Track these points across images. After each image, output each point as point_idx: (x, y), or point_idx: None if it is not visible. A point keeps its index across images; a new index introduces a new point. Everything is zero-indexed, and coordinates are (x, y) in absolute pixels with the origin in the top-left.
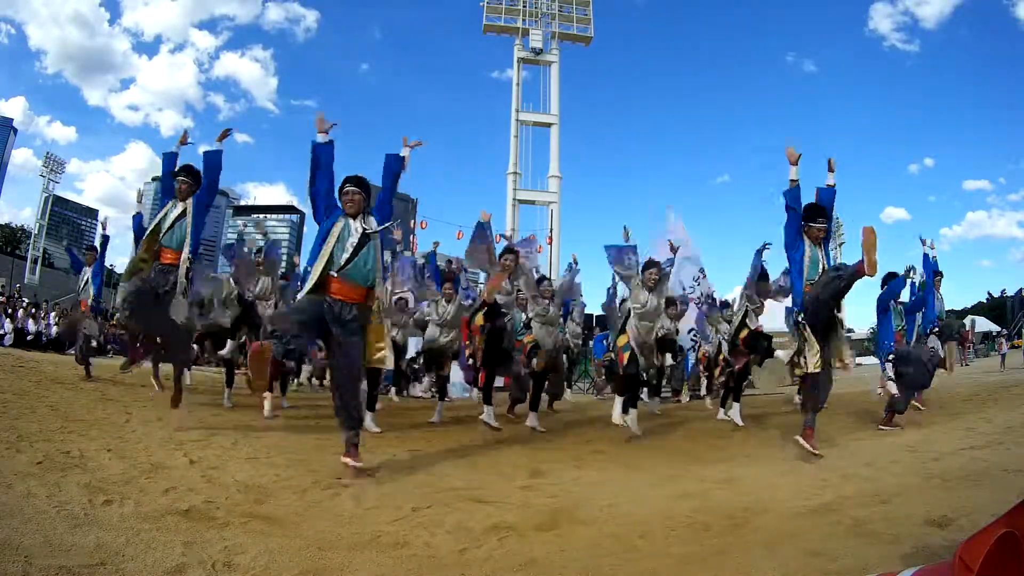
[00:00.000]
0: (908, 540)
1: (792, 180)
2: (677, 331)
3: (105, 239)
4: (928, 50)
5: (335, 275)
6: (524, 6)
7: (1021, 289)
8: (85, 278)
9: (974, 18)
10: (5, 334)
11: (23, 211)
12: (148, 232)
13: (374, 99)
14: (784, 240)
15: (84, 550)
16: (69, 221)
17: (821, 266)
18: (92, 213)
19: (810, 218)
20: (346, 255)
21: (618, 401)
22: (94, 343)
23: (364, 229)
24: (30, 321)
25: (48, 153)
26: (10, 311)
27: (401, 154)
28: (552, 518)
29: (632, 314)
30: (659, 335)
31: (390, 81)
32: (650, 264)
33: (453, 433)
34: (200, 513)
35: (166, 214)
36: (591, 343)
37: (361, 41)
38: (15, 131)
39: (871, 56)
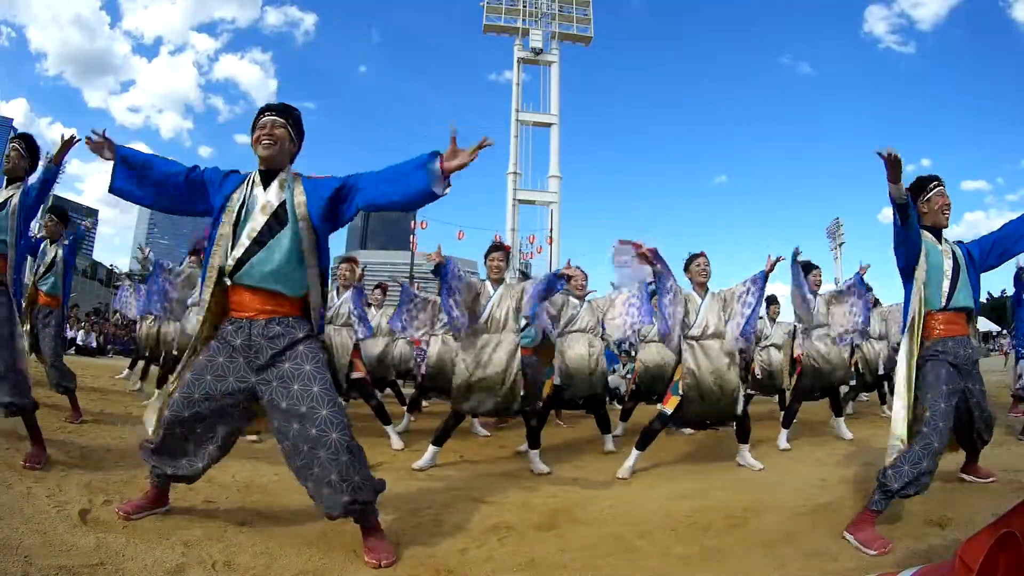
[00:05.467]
0: (908, 540)
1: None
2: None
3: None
4: (924, 51)
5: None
6: (524, 6)
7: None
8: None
9: (970, 19)
10: None
11: None
12: None
13: (373, 100)
14: None
15: (84, 550)
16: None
17: None
18: (92, 213)
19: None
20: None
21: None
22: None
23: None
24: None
25: (48, 154)
26: None
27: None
28: (552, 518)
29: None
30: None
31: (389, 82)
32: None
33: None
34: (200, 513)
35: None
36: None
37: (359, 43)
38: (15, 131)
39: (867, 58)
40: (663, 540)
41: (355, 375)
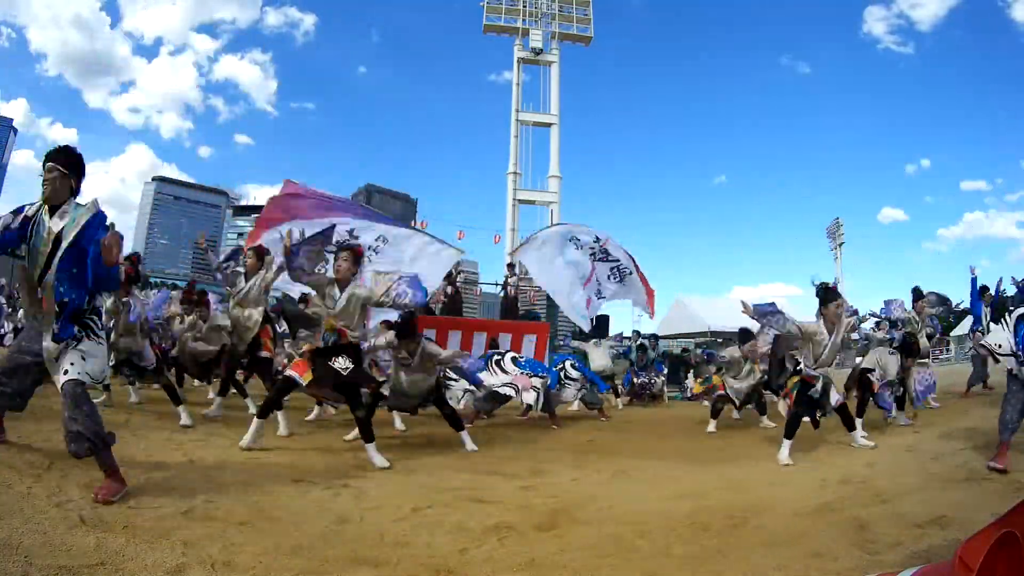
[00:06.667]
0: (908, 540)
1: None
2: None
3: None
4: (923, 52)
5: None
6: (524, 6)
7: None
8: None
9: (969, 19)
10: (5, 333)
11: None
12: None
13: (373, 100)
14: None
15: (84, 550)
16: None
17: None
18: None
19: None
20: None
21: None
22: None
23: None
24: None
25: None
26: (10, 311)
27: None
28: (552, 518)
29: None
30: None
31: (389, 82)
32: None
33: (452, 434)
34: (200, 513)
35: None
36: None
37: (359, 44)
38: (15, 131)
39: (866, 58)
40: (663, 540)
41: (262, 354)
